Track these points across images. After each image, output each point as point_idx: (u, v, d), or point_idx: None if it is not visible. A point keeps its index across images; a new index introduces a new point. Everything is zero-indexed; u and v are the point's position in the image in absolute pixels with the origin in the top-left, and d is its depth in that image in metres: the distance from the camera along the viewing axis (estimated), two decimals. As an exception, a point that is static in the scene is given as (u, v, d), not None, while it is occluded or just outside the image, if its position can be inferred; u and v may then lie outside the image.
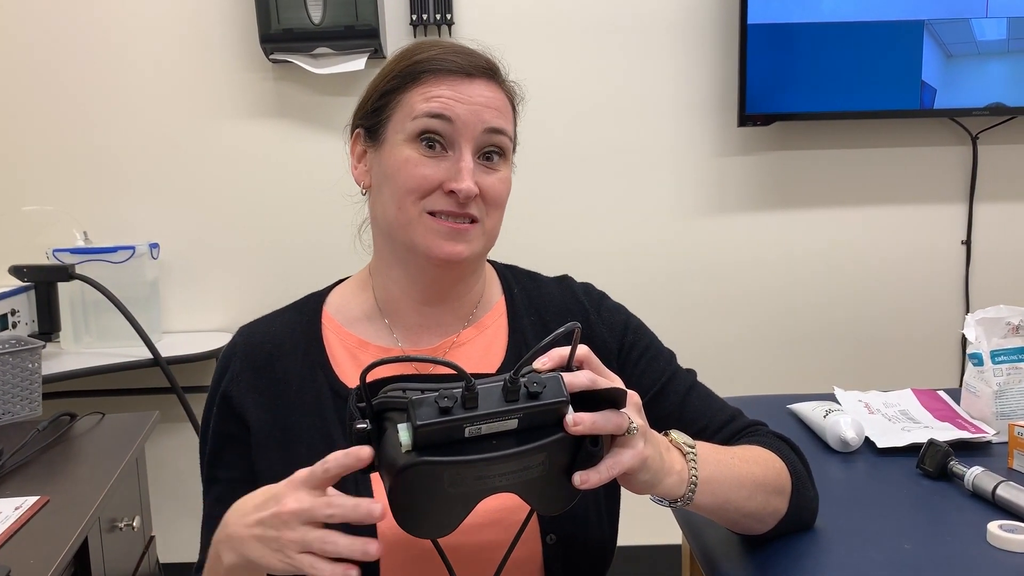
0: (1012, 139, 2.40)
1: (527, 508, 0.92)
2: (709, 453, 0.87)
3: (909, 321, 2.49)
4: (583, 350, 0.76)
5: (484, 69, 0.94)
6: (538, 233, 2.40)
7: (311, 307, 1.04)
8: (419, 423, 0.66)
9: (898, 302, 2.48)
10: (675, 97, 2.39)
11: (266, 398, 0.97)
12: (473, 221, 0.93)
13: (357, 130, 1.00)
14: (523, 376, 0.70)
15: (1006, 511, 1.07)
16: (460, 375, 0.68)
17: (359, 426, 0.71)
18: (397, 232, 0.94)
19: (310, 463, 0.77)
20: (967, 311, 2.47)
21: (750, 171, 2.42)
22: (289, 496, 0.72)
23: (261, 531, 0.73)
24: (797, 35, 2.26)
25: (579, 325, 0.72)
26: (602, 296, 1.07)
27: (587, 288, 1.07)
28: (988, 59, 2.26)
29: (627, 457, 0.75)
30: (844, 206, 2.45)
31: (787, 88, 2.28)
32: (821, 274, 2.47)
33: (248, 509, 0.75)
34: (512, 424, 0.69)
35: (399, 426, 0.68)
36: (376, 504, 0.69)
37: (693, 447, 0.85)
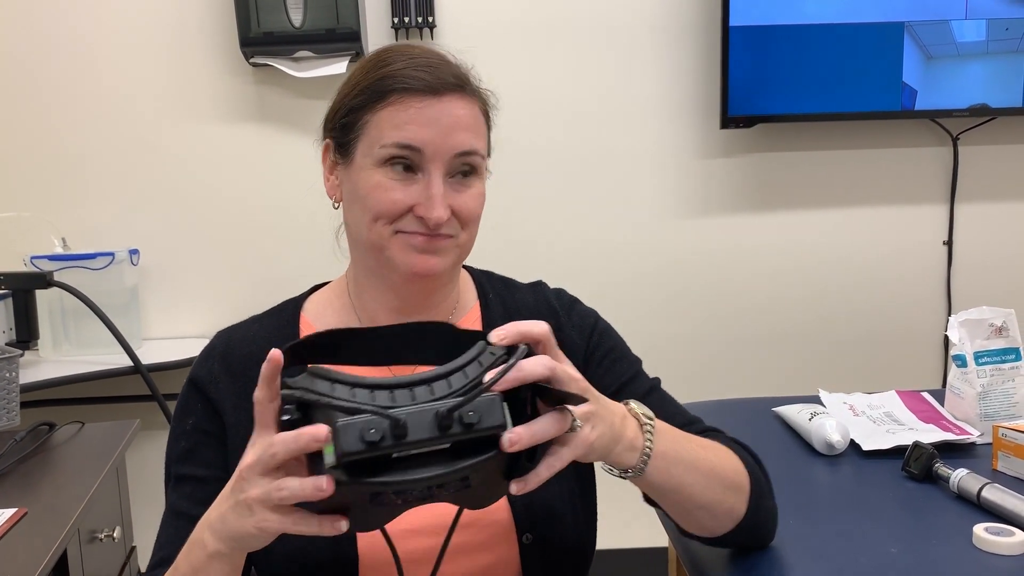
0: (992, 139, 2.42)
1: (507, 510, 0.92)
2: (667, 430, 0.84)
3: (892, 321, 2.50)
4: (542, 328, 0.72)
5: (452, 84, 0.91)
6: (522, 236, 2.39)
7: (289, 313, 1.03)
8: (344, 451, 0.62)
9: (881, 302, 2.49)
10: (658, 100, 2.39)
11: (243, 401, 0.96)
12: (448, 236, 0.93)
13: (327, 140, 0.99)
14: (464, 388, 0.66)
15: (992, 513, 1.07)
16: (391, 386, 0.65)
17: (284, 418, 0.67)
18: (370, 250, 0.94)
19: None
20: (949, 311, 2.48)
21: (733, 173, 2.42)
22: (247, 455, 0.70)
23: (233, 500, 0.71)
24: (778, 37, 2.26)
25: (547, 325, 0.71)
26: (574, 300, 1.07)
27: (559, 293, 1.08)
28: (968, 60, 2.28)
29: (567, 453, 0.72)
30: (826, 207, 2.46)
31: (769, 90, 2.29)
32: (804, 274, 2.47)
33: (224, 491, 0.74)
34: (444, 445, 0.66)
35: (325, 448, 0.64)
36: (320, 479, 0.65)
37: (652, 420, 0.82)
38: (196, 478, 0.97)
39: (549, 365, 0.70)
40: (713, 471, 0.87)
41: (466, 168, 0.92)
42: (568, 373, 0.72)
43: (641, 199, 2.42)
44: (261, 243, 2.39)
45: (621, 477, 0.82)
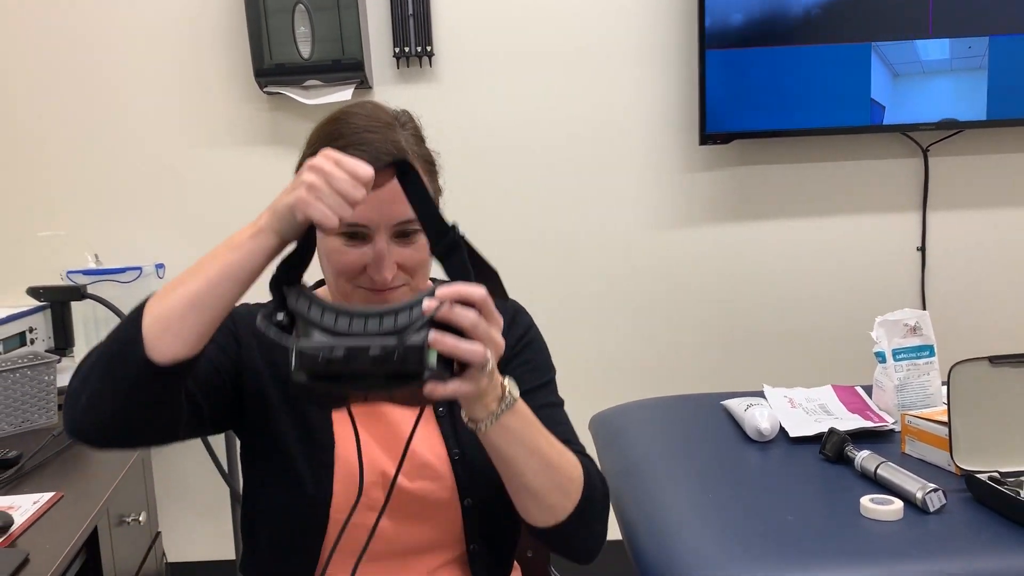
0: (960, 151, 2.55)
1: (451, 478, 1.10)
2: (526, 415, 0.97)
3: (869, 324, 2.61)
4: (480, 293, 0.88)
5: (392, 157, 0.99)
6: (508, 248, 2.56)
7: None
8: (297, 367, 0.84)
9: (859, 306, 2.60)
10: (641, 119, 2.54)
11: (253, 349, 1.13)
12: (400, 286, 1.07)
13: None
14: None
15: (886, 488, 1.22)
16: (351, 314, 0.85)
17: (277, 318, 0.88)
18: (335, 295, 1.09)
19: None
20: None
21: (712, 186, 2.57)
22: (317, 159, 0.87)
23: (290, 185, 0.89)
24: (752, 59, 2.41)
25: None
26: (517, 309, 1.22)
27: (509, 303, 1.22)
28: (933, 77, 2.41)
29: (468, 387, 0.87)
30: (804, 217, 2.59)
31: (744, 108, 2.43)
32: (783, 282, 2.61)
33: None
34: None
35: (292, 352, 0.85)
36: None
37: (515, 400, 0.95)
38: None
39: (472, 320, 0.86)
40: (548, 465, 0.99)
41: (408, 231, 1.05)
42: (490, 336, 0.87)
43: (626, 212, 2.57)
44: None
45: (467, 423, 0.96)
